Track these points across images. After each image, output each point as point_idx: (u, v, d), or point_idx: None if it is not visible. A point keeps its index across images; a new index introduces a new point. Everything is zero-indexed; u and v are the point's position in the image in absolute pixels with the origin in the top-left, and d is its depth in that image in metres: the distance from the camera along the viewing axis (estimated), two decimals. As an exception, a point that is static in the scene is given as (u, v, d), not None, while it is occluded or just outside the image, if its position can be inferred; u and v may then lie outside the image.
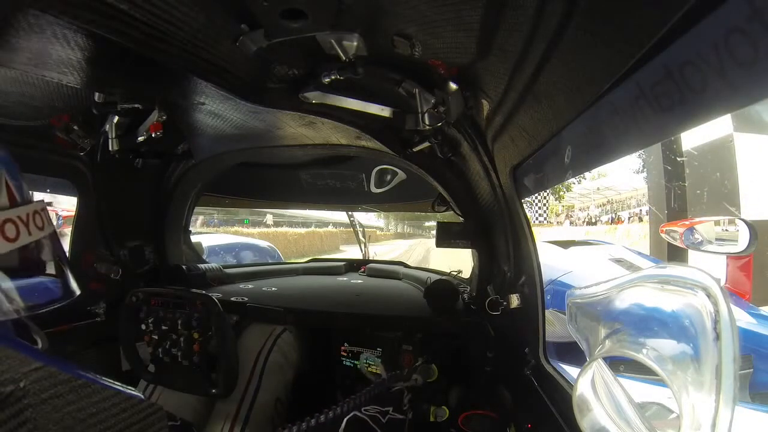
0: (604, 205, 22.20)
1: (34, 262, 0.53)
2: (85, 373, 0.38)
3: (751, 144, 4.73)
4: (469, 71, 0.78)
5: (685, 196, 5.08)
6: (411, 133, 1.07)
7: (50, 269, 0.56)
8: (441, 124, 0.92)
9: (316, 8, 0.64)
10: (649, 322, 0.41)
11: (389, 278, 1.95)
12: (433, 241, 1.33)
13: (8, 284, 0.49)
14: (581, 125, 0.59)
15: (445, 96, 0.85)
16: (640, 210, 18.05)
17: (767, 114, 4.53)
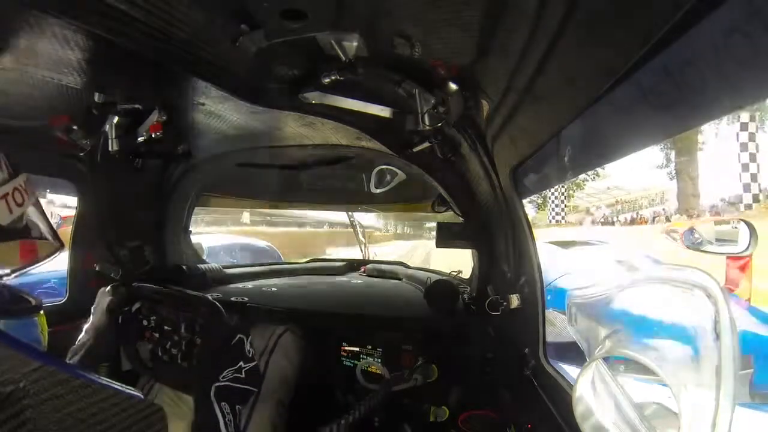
0: (613, 205, 21.66)
1: (32, 224, 0.69)
2: (84, 373, 0.38)
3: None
4: (469, 71, 0.78)
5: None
6: (411, 134, 1.07)
7: (45, 227, 0.71)
8: (441, 125, 0.92)
9: (316, 8, 0.64)
10: (649, 322, 0.41)
11: (389, 278, 1.95)
12: (434, 242, 1.33)
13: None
14: (581, 125, 0.59)
15: (445, 96, 0.85)
16: (663, 209, 17.05)
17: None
